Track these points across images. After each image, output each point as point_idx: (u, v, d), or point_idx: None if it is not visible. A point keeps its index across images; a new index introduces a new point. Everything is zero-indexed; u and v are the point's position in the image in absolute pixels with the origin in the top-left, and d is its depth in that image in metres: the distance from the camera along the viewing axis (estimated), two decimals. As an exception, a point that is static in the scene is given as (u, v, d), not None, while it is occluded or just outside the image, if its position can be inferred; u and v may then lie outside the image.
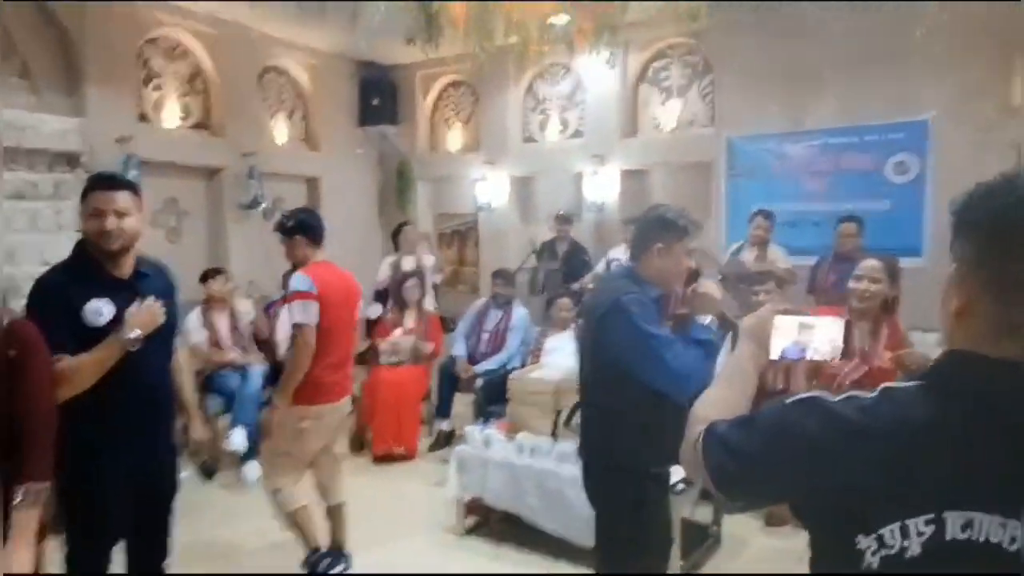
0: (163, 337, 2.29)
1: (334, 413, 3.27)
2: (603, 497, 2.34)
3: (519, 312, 5.48)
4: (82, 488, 2.16)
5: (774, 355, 1.15)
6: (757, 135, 6.23)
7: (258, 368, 4.98)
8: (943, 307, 0.90)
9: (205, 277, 5.14)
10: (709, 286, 2.31)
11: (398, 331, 5.37)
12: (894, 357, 2.72)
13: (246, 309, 5.34)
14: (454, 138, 8.36)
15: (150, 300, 2.22)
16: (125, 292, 2.21)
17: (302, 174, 7.76)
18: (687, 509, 3.38)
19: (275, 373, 5.05)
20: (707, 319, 2.23)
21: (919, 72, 5.38)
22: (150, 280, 2.32)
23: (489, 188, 7.80)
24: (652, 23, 6.28)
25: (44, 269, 2.27)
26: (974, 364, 0.84)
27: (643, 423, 2.18)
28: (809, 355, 1.15)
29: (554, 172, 7.57)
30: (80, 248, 2.26)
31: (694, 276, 2.31)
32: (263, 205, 6.88)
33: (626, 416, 2.21)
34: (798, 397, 0.91)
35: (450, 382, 5.31)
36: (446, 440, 5.22)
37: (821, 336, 1.15)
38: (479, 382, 5.09)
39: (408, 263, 6.18)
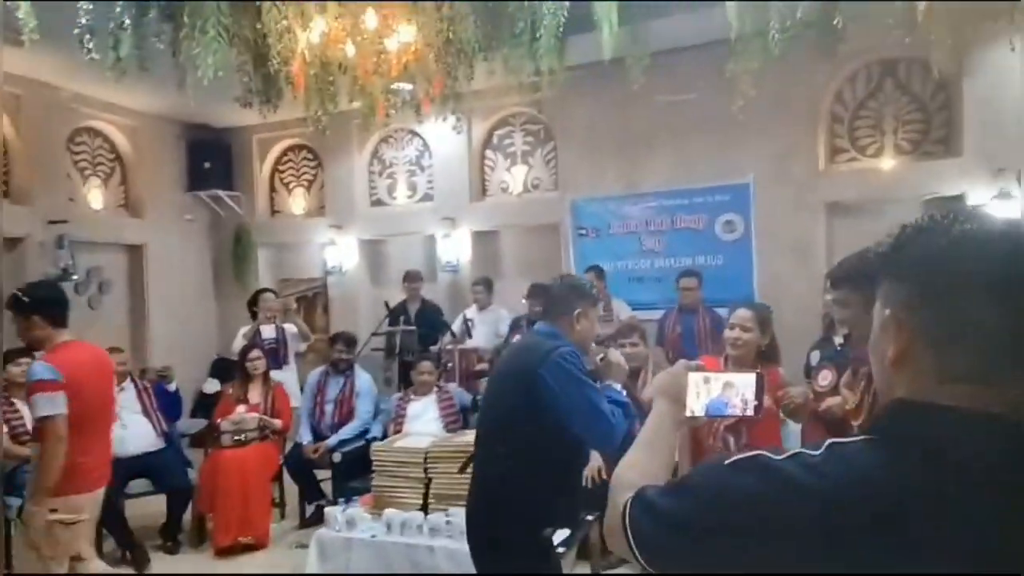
0: None
1: (92, 505, 2.98)
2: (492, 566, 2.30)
3: (363, 377, 5.22)
4: None
5: (698, 412, 1.09)
6: (598, 197, 6.53)
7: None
8: (876, 355, 0.86)
9: (7, 359, 4.41)
10: (617, 355, 2.52)
11: (241, 407, 4.90)
12: (776, 398, 2.80)
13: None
14: (297, 202, 8.03)
15: None
16: None
17: (123, 242, 7.06)
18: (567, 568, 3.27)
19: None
20: (618, 385, 2.41)
21: (739, 139, 5.92)
22: None
23: (338, 252, 7.54)
24: (494, 92, 6.46)
25: None
26: (919, 413, 0.79)
27: (545, 481, 2.22)
28: (729, 411, 1.10)
29: (405, 235, 7.46)
30: None
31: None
32: (74, 277, 6.14)
33: (532, 473, 2.22)
34: (740, 456, 0.84)
35: (304, 468, 4.90)
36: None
37: (736, 391, 1.11)
38: (336, 456, 4.74)
39: (268, 332, 5.76)
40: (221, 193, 7.77)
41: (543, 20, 3.76)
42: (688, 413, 1.10)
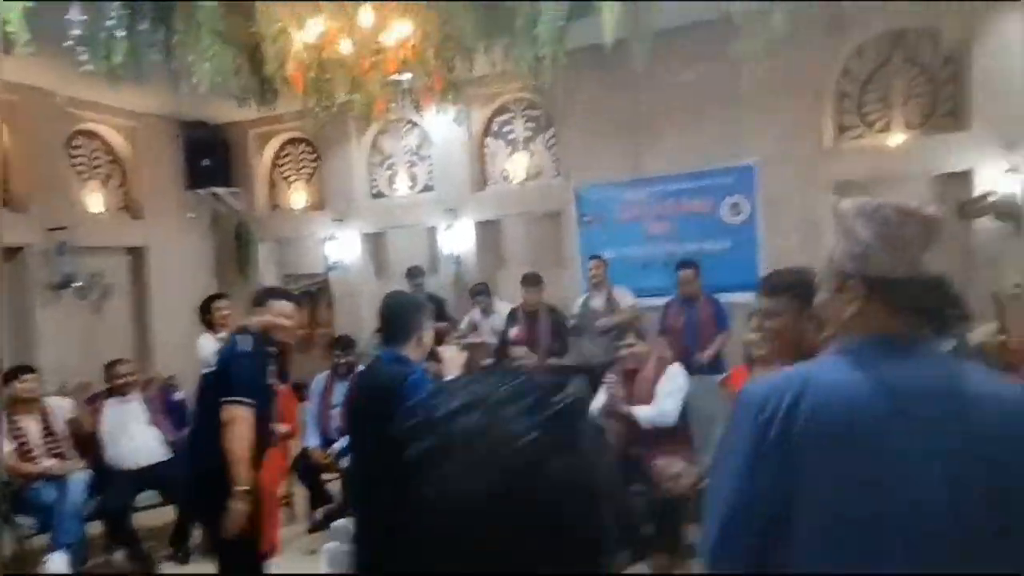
0: None
1: None
2: None
3: None
4: None
5: None
6: (601, 184, 6.44)
7: (79, 476, 4.30)
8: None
9: (10, 376, 4.39)
10: (451, 351, 2.77)
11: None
12: None
13: (61, 406, 4.63)
14: (297, 196, 7.95)
15: None
16: None
17: (124, 245, 7.01)
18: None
19: (101, 478, 4.42)
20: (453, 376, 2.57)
21: (743, 120, 5.82)
22: None
23: (339, 246, 7.48)
24: (493, 79, 6.35)
25: None
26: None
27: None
28: None
29: (407, 227, 7.39)
30: None
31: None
32: (77, 284, 6.09)
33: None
34: None
35: (312, 473, 4.88)
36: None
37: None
38: (344, 461, 4.72)
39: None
40: (220, 190, 7.68)
41: (543, 13, 3.65)
42: None
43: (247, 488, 2.69)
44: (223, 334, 5.27)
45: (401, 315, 2.59)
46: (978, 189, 5.29)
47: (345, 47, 3.95)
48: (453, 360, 2.69)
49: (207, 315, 5.30)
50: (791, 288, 1.82)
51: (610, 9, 3.89)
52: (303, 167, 7.94)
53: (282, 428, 4.91)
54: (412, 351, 2.55)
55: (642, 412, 3.95)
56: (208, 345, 5.28)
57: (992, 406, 1.08)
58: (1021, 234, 2.31)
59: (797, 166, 5.76)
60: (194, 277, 7.56)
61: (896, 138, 5.63)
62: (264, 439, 2.95)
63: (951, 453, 1.05)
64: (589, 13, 4.06)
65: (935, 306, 1.16)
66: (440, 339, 6.05)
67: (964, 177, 5.38)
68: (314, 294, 8.05)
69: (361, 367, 5.16)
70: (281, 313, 3.03)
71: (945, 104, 5.56)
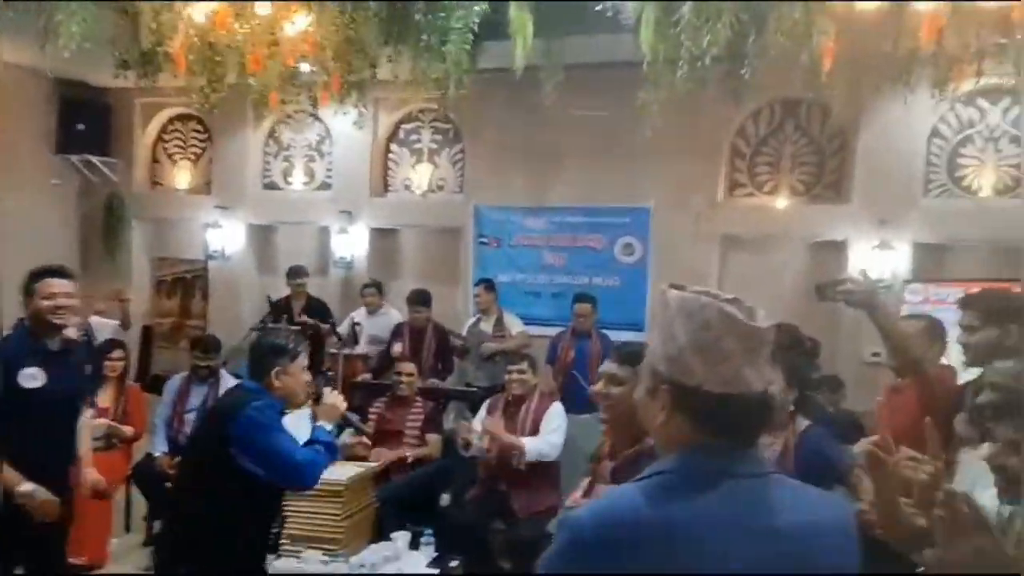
0: None
1: None
2: None
3: (230, 384, 4.83)
4: None
5: None
6: (502, 206, 6.38)
7: None
8: None
9: None
10: (333, 397, 2.79)
11: (89, 412, 4.42)
12: None
13: None
14: (181, 176, 7.45)
15: None
16: None
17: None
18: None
19: None
20: (329, 425, 2.67)
21: (644, 163, 5.91)
22: None
23: (222, 235, 7.03)
24: (402, 85, 6.18)
25: None
26: None
27: (231, 521, 2.43)
28: None
29: (298, 223, 7.06)
30: None
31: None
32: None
33: (219, 512, 2.42)
34: None
35: (154, 482, 4.49)
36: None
37: None
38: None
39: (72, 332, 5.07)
40: (95, 159, 7.09)
41: (451, 30, 3.54)
42: None
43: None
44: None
45: (258, 355, 2.62)
46: (850, 260, 5.60)
47: (239, 32, 3.69)
48: (331, 408, 2.74)
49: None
50: (639, 362, 1.80)
51: (523, 40, 3.84)
52: (191, 146, 7.45)
53: (126, 430, 4.53)
54: (268, 387, 2.55)
55: (531, 444, 3.90)
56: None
57: (810, 542, 1.02)
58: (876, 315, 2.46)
59: (689, 215, 5.91)
60: (54, 249, 6.89)
61: (782, 202, 5.88)
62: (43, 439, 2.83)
63: None
64: (504, 36, 4.00)
65: (749, 424, 1.06)
66: (320, 341, 5.81)
67: (840, 246, 5.68)
68: (188, 282, 7.56)
69: (224, 372, 4.86)
70: (50, 294, 2.81)
71: (830, 175, 5.87)
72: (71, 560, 4.06)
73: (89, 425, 3.35)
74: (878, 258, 5.44)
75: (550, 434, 3.97)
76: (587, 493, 2.20)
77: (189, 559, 2.44)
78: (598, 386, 2.07)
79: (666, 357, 1.07)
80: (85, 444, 3.06)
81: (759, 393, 1.05)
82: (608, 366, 2.06)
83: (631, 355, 1.94)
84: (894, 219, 5.43)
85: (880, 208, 5.47)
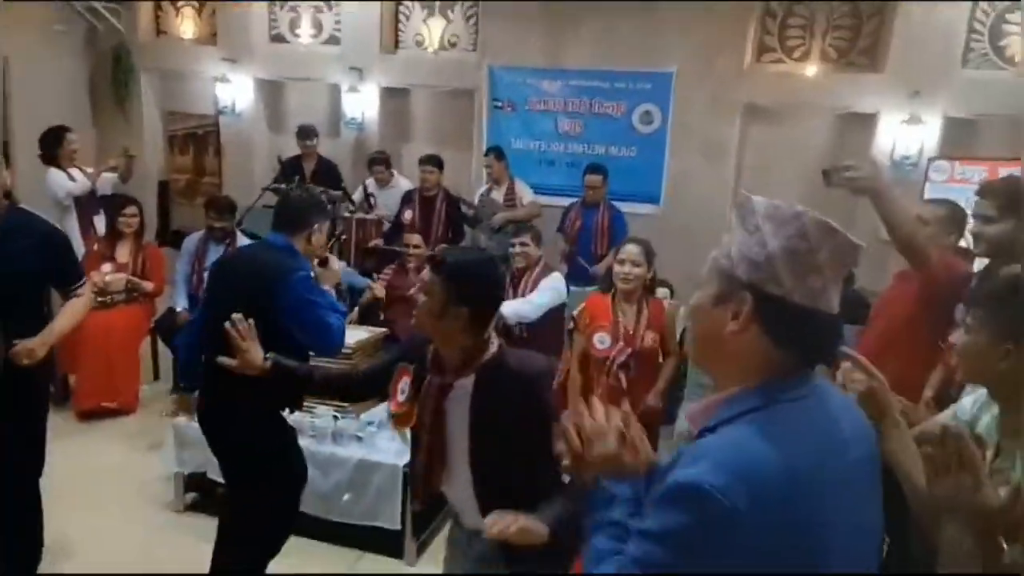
0: None
1: None
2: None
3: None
4: None
5: None
6: (518, 67, 6.12)
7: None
8: None
9: None
10: (335, 263, 2.88)
11: (108, 266, 4.57)
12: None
13: None
14: (186, 25, 7.16)
15: None
16: None
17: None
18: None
19: None
20: (331, 288, 2.71)
21: (667, 25, 5.58)
22: None
23: (231, 89, 6.86)
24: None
25: None
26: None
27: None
28: None
29: (307, 80, 6.85)
30: None
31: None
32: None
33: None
34: None
35: (176, 334, 4.68)
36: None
37: None
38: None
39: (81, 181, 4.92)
40: (98, 4, 6.80)
41: None
42: None
43: None
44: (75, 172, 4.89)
45: (301, 207, 2.56)
46: (879, 134, 5.39)
47: None
48: (333, 273, 2.76)
49: (57, 148, 4.80)
50: None
51: None
52: (195, -8, 7.10)
53: (146, 285, 4.67)
54: (301, 245, 2.51)
55: (508, 306, 3.65)
56: (61, 181, 4.82)
57: (864, 437, 1.06)
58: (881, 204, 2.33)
59: (712, 82, 5.64)
60: (65, 100, 6.79)
61: (811, 69, 5.58)
62: None
63: (864, 496, 1.02)
64: None
65: (823, 346, 1.01)
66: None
67: (869, 120, 5.45)
68: (201, 137, 7.48)
69: (239, 234, 4.90)
70: None
71: (865, 40, 5.52)
72: (105, 404, 4.40)
73: (90, 294, 2.88)
74: (907, 133, 5.24)
75: (534, 295, 3.83)
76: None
77: (234, 427, 2.50)
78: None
79: (749, 262, 0.98)
80: (58, 323, 2.65)
81: (837, 316, 1.00)
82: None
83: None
84: (928, 90, 5.16)
85: (914, 78, 5.19)
